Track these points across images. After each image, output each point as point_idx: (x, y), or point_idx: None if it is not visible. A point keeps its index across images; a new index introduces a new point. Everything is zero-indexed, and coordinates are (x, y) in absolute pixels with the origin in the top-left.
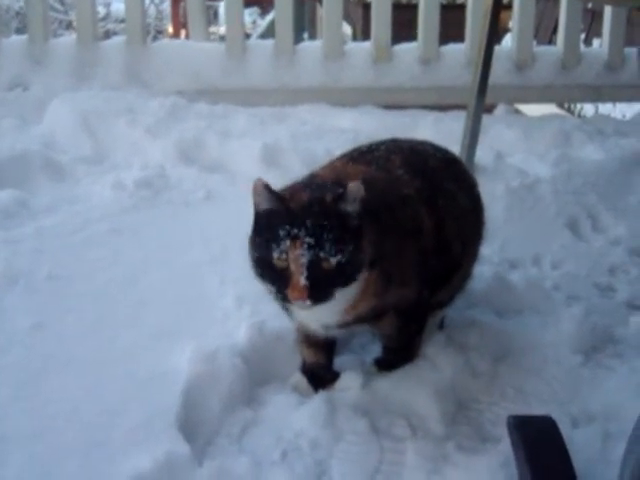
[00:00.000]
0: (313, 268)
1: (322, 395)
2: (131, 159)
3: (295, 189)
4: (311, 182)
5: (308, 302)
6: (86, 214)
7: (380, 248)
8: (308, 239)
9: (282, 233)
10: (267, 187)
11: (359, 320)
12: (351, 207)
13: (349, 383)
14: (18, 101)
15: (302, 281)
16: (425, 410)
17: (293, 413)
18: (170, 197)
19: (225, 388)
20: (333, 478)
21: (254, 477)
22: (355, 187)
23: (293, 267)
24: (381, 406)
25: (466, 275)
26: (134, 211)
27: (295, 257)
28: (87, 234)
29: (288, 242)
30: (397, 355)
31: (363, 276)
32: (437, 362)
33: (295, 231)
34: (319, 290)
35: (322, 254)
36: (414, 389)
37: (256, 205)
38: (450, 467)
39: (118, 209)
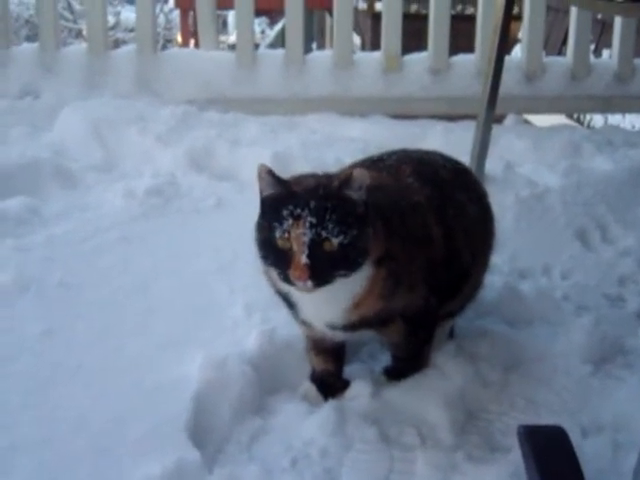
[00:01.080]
0: (315, 247)
1: (332, 403)
2: (141, 167)
3: (300, 176)
4: (318, 174)
5: (309, 283)
6: (97, 222)
7: (389, 248)
8: (310, 218)
9: (285, 213)
10: (271, 172)
11: (365, 323)
12: (356, 194)
13: (359, 392)
14: (29, 109)
15: (303, 259)
16: (435, 419)
17: (303, 421)
18: (180, 205)
19: (235, 396)
20: None
21: None
22: (360, 173)
23: (295, 246)
24: (391, 415)
25: (476, 284)
26: (144, 219)
27: (297, 236)
28: (97, 242)
29: (290, 221)
30: (406, 364)
31: (369, 273)
32: (447, 371)
33: (298, 211)
34: (321, 271)
35: (324, 234)
36: (424, 398)
37: (261, 190)
38: (459, 477)
39: (128, 217)
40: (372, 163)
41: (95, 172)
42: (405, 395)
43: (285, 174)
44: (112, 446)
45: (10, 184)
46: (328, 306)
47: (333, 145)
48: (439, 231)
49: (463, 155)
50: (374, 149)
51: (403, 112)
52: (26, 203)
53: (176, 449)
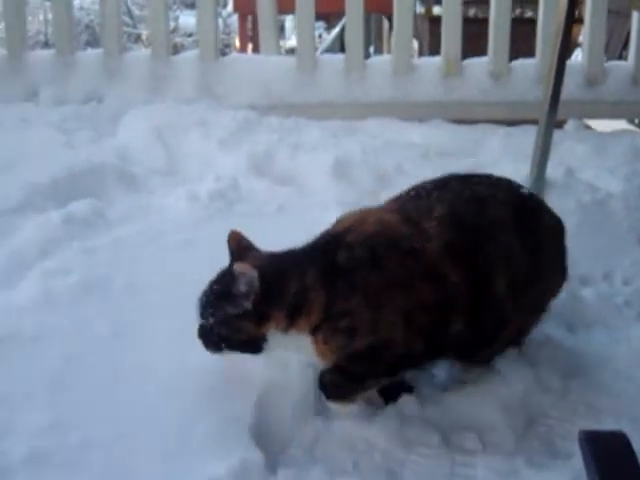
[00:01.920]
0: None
1: (393, 407)
2: (204, 171)
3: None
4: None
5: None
6: (161, 225)
7: (335, 310)
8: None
9: None
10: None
11: (348, 358)
12: (240, 289)
13: (420, 396)
14: (93, 114)
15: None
16: (495, 424)
17: (364, 424)
18: (242, 209)
19: (297, 398)
20: None
21: None
22: (242, 278)
23: None
24: (452, 419)
25: (522, 331)
26: (207, 222)
27: None
28: (162, 244)
29: None
30: (333, 374)
31: (309, 340)
32: (508, 377)
33: None
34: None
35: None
36: (485, 403)
37: None
38: None
39: (192, 220)
40: (408, 199)
41: (158, 176)
42: (466, 400)
43: (346, 179)
44: (179, 445)
45: (77, 187)
46: (311, 358)
47: (393, 150)
48: (457, 277)
49: (524, 160)
50: (434, 154)
51: (463, 117)
52: (92, 206)
53: (241, 449)
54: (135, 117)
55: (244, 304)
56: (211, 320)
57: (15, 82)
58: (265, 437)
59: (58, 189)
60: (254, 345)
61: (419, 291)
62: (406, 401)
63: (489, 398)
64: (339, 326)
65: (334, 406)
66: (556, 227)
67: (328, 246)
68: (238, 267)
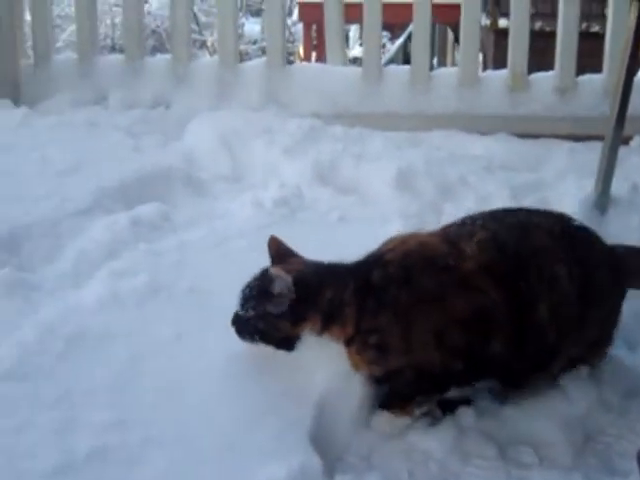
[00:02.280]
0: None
1: (451, 419)
2: (268, 178)
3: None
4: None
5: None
6: (225, 230)
7: (366, 326)
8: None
9: None
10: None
11: (389, 377)
12: (277, 289)
13: (478, 409)
14: (161, 119)
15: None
16: (553, 439)
17: (422, 435)
18: (305, 217)
19: (356, 406)
20: None
21: None
22: (277, 281)
23: None
24: (509, 433)
25: (574, 363)
26: (271, 229)
27: None
28: (226, 249)
29: None
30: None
31: (343, 350)
32: (568, 393)
33: None
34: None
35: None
36: (543, 418)
37: None
38: None
39: (256, 226)
40: (460, 225)
41: (223, 182)
42: (524, 414)
43: (409, 190)
44: (239, 447)
45: (144, 191)
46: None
47: (457, 162)
48: (498, 297)
49: (588, 176)
50: (497, 167)
51: (528, 131)
52: (159, 209)
53: (300, 454)
54: (202, 123)
55: (281, 305)
56: (251, 313)
57: (85, 86)
58: (323, 443)
59: (126, 192)
60: (288, 343)
61: (452, 307)
62: (463, 413)
63: (547, 413)
64: (369, 342)
65: (388, 416)
66: (608, 257)
67: (367, 264)
68: (274, 271)
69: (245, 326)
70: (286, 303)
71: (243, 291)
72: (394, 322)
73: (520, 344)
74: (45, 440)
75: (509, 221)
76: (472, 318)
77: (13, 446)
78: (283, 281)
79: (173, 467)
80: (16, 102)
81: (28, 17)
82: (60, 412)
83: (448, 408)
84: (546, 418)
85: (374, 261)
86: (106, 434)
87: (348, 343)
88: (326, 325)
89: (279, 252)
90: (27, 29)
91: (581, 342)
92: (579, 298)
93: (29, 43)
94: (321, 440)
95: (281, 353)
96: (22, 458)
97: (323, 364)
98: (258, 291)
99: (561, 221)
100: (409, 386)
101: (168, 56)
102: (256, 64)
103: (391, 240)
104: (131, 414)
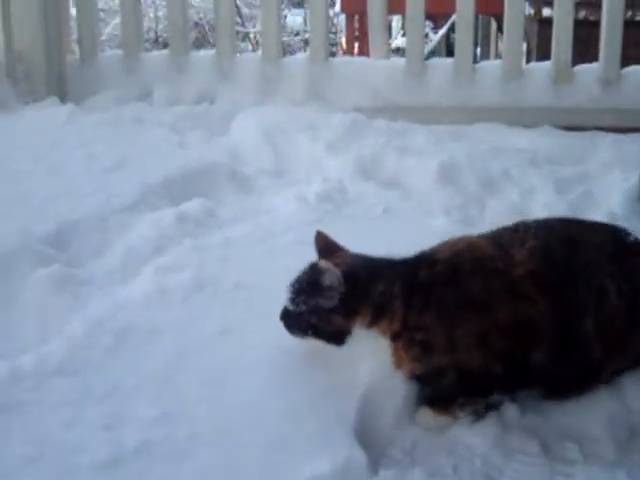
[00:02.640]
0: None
1: (495, 415)
2: (312, 173)
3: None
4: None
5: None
6: (270, 225)
7: (412, 323)
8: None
9: None
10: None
11: (420, 379)
12: (327, 282)
13: (522, 405)
14: (205, 114)
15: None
16: (597, 435)
17: (465, 430)
18: (349, 212)
19: (400, 402)
20: None
21: None
22: (327, 274)
23: None
24: (553, 429)
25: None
26: (316, 224)
27: None
28: (271, 245)
29: None
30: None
31: (388, 345)
32: (613, 389)
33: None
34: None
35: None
36: (587, 413)
37: None
38: None
39: (301, 221)
40: (501, 231)
41: (267, 177)
42: (568, 410)
43: (451, 184)
44: (284, 441)
45: (189, 186)
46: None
47: (500, 155)
48: (544, 306)
49: (632, 169)
50: (541, 160)
51: (572, 123)
52: (204, 205)
53: (344, 448)
54: (246, 118)
55: (332, 299)
56: (302, 307)
57: (130, 82)
58: (367, 438)
59: (171, 188)
60: (339, 337)
61: (496, 313)
62: (507, 408)
63: (592, 408)
64: (414, 338)
65: (432, 413)
66: None
67: (417, 261)
68: (323, 264)
69: (296, 321)
70: (336, 296)
71: (293, 285)
72: (439, 322)
73: (563, 355)
74: (94, 434)
75: (561, 232)
76: (515, 327)
77: (63, 440)
78: (333, 274)
79: (218, 462)
80: (62, 99)
81: (73, 11)
82: (108, 406)
83: (492, 404)
84: (590, 414)
85: (424, 259)
86: (153, 429)
87: (394, 338)
88: (375, 319)
89: (326, 246)
90: (72, 23)
91: (629, 354)
92: (628, 313)
93: (74, 36)
94: (365, 435)
95: (325, 348)
96: (71, 452)
97: (367, 359)
98: (309, 285)
99: (613, 234)
100: (451, 387)
101: (212, 51)
102: (299, 59)
103: (444, 243)
104: (177, 409)
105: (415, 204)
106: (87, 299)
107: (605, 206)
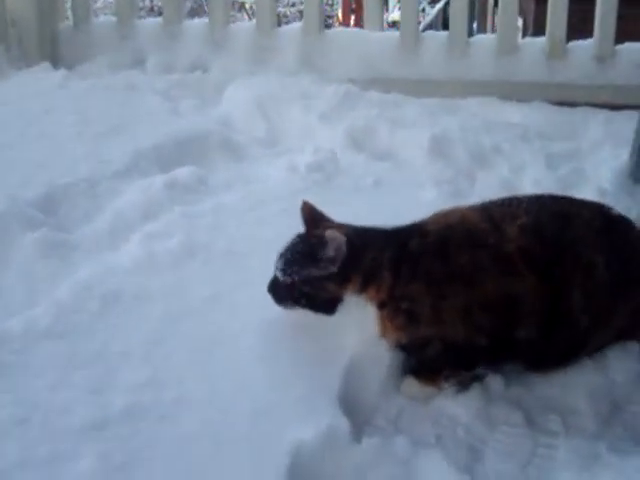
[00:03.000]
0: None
1: (478, 386)
2: (304, 143)
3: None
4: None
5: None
6: (261, 194)
7: (398, 292)
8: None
9: None
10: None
11: (417, 345)
12: (329, 254)
13: (506, 377)
14: (198, 82)
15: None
16: (580, 408)
17: (449, 401)
18: (340, 182)
19: (384, 372)
20: (486, 465)
21: (410, 456)
22: (332, 242)
23: None
24: (536, 401)
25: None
26: (306, 193)
27: None
28: (261, 213)
29: None
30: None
31: (374, 314)
32: (598, 362)
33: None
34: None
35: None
36: (571, 386)
37: None
38: (601, 467)
39: (291, 191)
40: (493, 205)
41: (259, 146)
42: (552, 382)
43: (443, 157)
44: (270, 407)
45: (181, 154)
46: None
47: (492, 130)
48: (531, 283)
49: (624, 146)
50: (533, 135)
51: (565, 99)
52: (195, 172)
53: (328, 416)
54: (239, 88)
55: (331, 267)
56: (295, 278)
57: (123, 49)
58: (351, 406)
59: (163, 155)
60: (331, 305)
61: (483, 287)
62: (492, 380)
63: (575, 381)
64: (400, 307)
65: (416, 385)
66: None
67: (407, 232)
68: (330, 233)
69: (286, 292)
70: (338, 264)
71: (283, 256)
72: (426, 292)
73: (550, 331)
74: (81, 397)
75: (552, 208)
76: (502, 302)
77: (50, 402)
78: (338, 243)
79: (204, 426)
80: (55, 64)
81: None
82: (96, 370)
83: (475, 376)
84: (574, 387)
85: (415, 230)
86: (140, 392)
87: (381, 307)
88: (364, 286)
89: (312, 216)
90: None
91: (614, 328)
92: (613, 287)
93: (68, 4)
94: (350, 403)
95: (311, 317)
96: (58, 414)
97: (354, 329)
98: (303, 255)
99: (600, 210)
100: (436, 358)
101: (206, 20)
102: (293, 29)
103: (436, 214)
104: (165, 373)
105: (406, 176)
106: (75, 264)
107: (595, 182)
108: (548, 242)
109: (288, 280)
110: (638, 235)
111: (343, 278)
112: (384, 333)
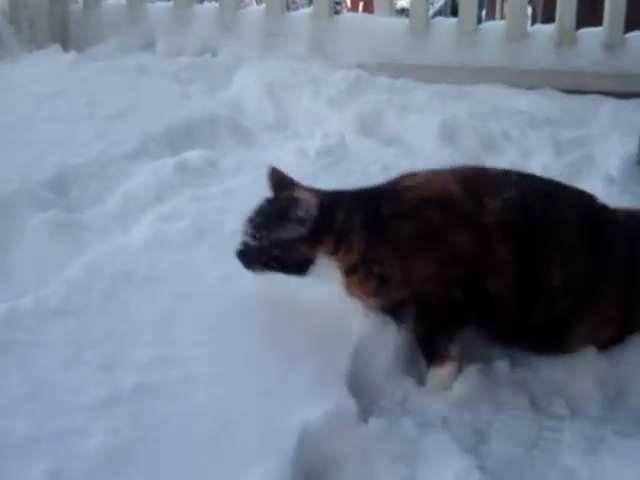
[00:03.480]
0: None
1: (485, 369)
2: (313, 128)
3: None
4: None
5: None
6: None
7: (369, 256)
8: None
9: None
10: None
11: (386, 309)
12: (299, 214)
13: (513, 361)
14: (208, 66)
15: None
16: (585, 392)
17: (456, 383)
18: (348, 167)
19: (392, 353)
20: (492, 447)
21: (416, 437)
22: (302, 199)
23: None
24: (542, 384)
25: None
26: (315, 178)
27: None
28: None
29: None
30: (421, 348)
31: (342, 280)
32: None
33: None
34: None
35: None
36: (576, 370)
37: None
38: (606, 450)
39: (299, 175)
40: (480, 177)
41: (268, 130)
42: (558, 366)
43: (452, 143)
44: (277, 387)
45: (191, 137)
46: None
47: (500, 116)
48: (506, 251)
49: (632, 134)
50: (541, 122)
51: (573, 87)
52: (205, 156)
53: (336, 396)
54: (248, 72)
55: (300, 228)
56: (265, 241)
57: (133, 32)
58: (359, 387)
59: (173, 137)
60: (303, 266)
61: (453, 239)
62: (498, 363)
63: (581, 365)
64: (372, 271)
65: (436, 371)
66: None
67: (382, 196)
68: (301, 194)
69: (257, 255)
70: (308, 225)
71: (251, 221)
72: (395, 254)
73: (527, 303)
74: (91, 375)
75: (540, 188)
76: (470, 251)
77: (60, 380)
78: (309, 204)
79: (212, 404)
80: (65, 47)
81: None
82: (106, 349)
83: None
84: (579, 370)
85: (390, 194)
86: (150, 371)
87: (351, 271)
88: (336, 248)
89: (281, 181)
90: None
91: (605, 321)
92: (598, 275)
93: None
94: (357, 384)
95: (321, 300)
96: (68, 392)
97: (361, 311)
98: (272, 218)
99: (587, 197)
100: (420, 319)
101: (216, 4)
102: (303, 14)
103: (414, 176)
104: (174, 352)
105: (415, 161)
106: (86, 244)
107: (603, 169)
108: (529, 219)
109: (258, 244)
110: (623, 224)
111: (314, 240)
112: (354, 297)
